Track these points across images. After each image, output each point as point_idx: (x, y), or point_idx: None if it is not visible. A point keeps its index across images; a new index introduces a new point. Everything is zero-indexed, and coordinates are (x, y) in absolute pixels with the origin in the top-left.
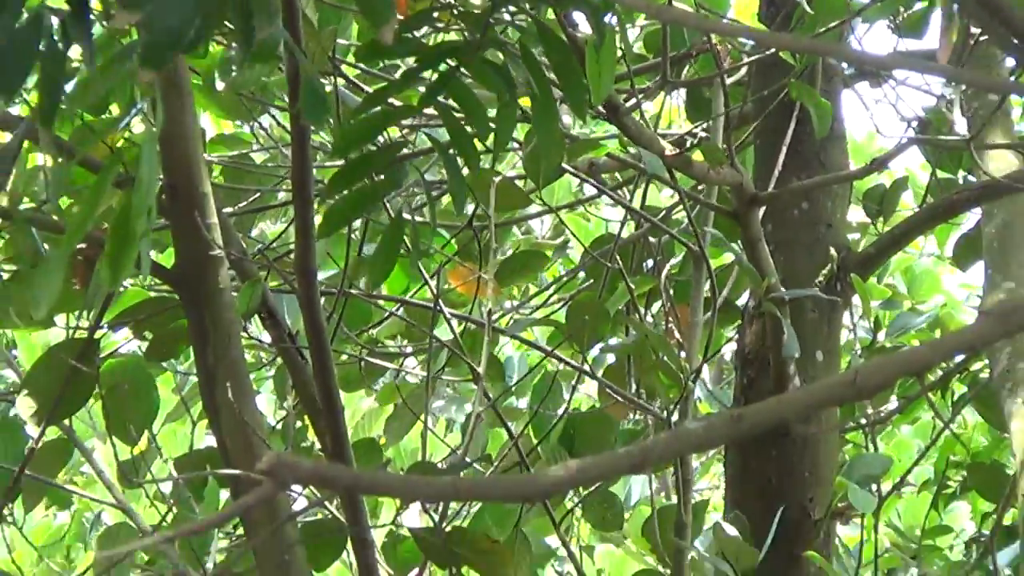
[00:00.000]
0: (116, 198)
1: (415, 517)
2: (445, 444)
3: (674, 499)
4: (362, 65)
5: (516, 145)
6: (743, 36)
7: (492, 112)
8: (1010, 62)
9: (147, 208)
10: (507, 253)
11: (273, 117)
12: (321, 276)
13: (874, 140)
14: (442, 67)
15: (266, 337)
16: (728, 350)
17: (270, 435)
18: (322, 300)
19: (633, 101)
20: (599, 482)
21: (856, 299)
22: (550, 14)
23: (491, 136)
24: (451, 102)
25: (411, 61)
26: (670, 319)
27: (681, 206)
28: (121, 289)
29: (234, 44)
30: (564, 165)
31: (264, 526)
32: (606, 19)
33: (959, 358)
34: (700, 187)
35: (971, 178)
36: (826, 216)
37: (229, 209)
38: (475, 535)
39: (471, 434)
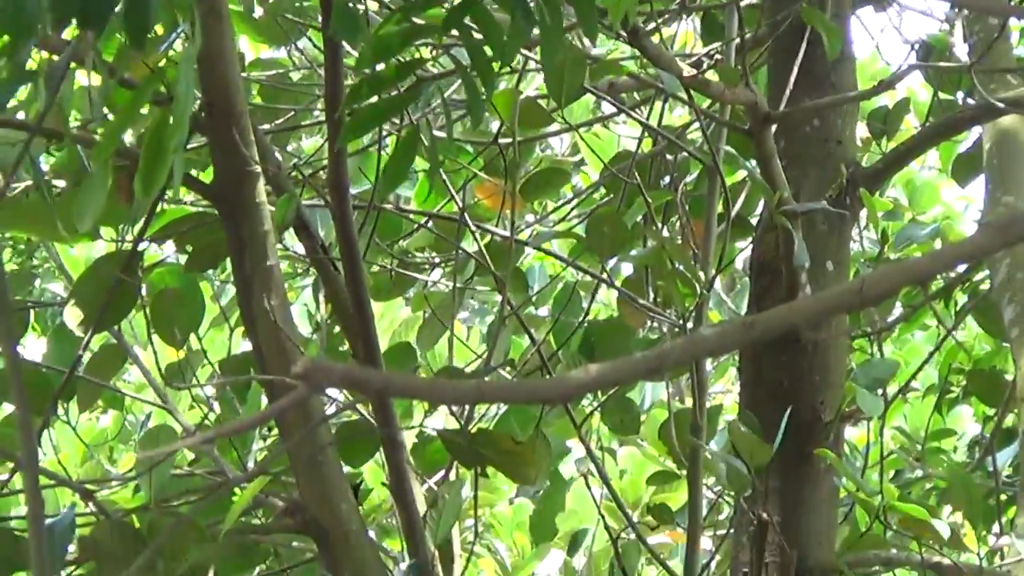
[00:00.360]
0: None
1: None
2: (471, 351)
3: (689, 403)
4: None
5: (538, 66)
6: None
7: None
8: None
9: (182, 124)
10: (530, 170)
11: (309, 39)
12: (354, 191)
13: (877, 61)
14: None
15: (300, 249)
16: (742, 261)
17: (304, 343)
18: (354, 214)
19: (652, 25)
20: (617, 386)
21: (864, 212)
22: None
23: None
24: (472, 24)
25: None
26: (686, 231)
27: (696, 124)
28: (164, 205)
29: None
30: (585, 85)
31: (298, 428)
32: None
33: (961, 268)
34: (714, 106)
35: (971, 100)
36: (836, 133)
37: (266, 126)
38: (499, 436)
39: (495, 341)
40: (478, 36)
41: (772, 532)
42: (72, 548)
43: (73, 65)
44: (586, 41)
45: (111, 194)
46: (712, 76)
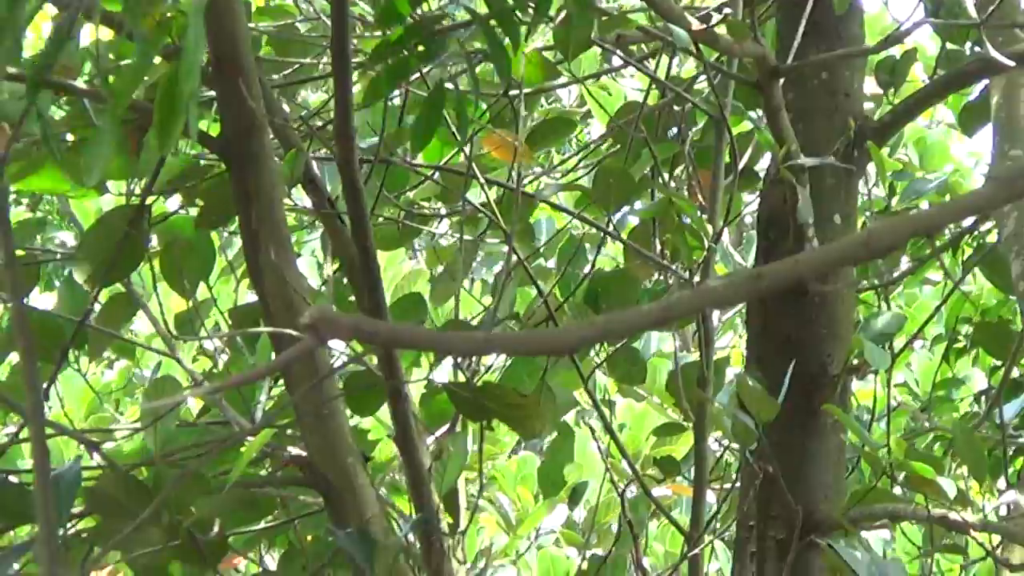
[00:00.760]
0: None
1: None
2: (478, 302)
3: (695, 356)
4: None
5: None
6: None
7: None
8: None
9: (193, 74)
10: (537, 119)
11: None
12: (363, 145)
13: (885, 16)
14: None
15: (307, 202)
16: (749, 215)
17: (311, 296)
18: (361, 167)
19: None
20: (624, 337)
21: (871, 166)
22: None
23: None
24: None
25: None
26: (693, 183)
27: (704, 77)
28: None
29: None
30: (593, 38)
31: (305, 381)
32: None
33: (968, 221)
34: (723, 59)
35: (979, 51)
36: (844, 86)
37: (274, 77)
38: (505, 390)
39: (501, 292)
40: None
41: (778, 486)
42: (78, 500)
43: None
44: None
45: (119, 148)
46: (721, 30)
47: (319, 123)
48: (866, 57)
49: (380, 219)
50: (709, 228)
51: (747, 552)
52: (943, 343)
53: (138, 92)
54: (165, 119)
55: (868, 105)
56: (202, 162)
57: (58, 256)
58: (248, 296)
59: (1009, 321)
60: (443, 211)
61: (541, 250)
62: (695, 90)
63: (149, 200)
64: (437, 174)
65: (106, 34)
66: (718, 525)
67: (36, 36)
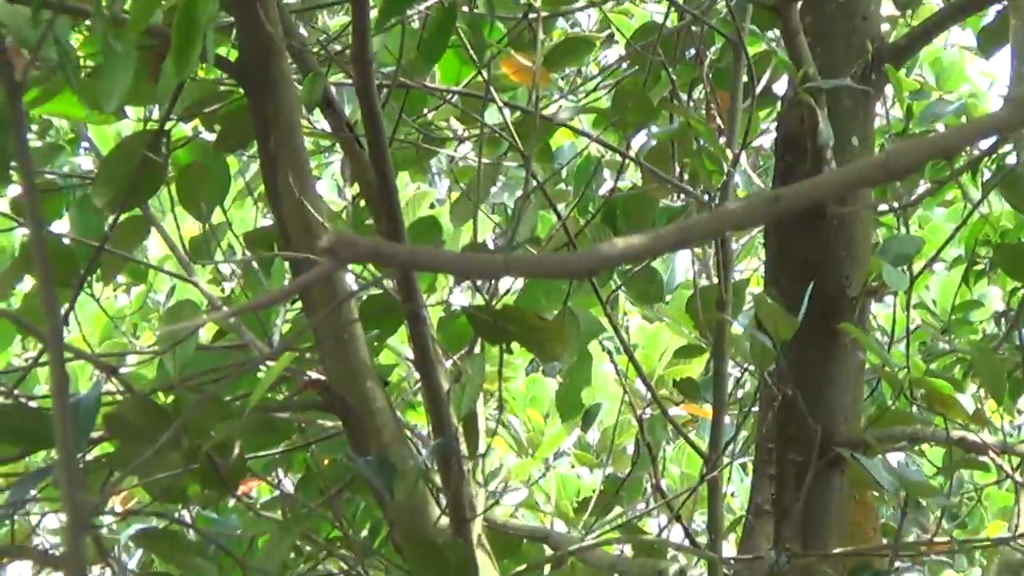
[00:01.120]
0: None
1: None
2: (496, 225)
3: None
4: None
5: None
6: None
7: None
8: None
9: None
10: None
11: None
12: (383, 70)
13: None
14: None
15: (325, 126)
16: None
17: (330, 219)
18: (381, 92)
19: None
20: (643, 260)
21: (889, 89)
22: None
23: None
24: None
25: None
26: (711, 105)
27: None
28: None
29: None
30: None
31: (324, 304)
32: None
33: (987, 143)
34: None
35: None
36: (861, 9)
37: (292, 1)
38: (524, 312)
39: (519, 215)
40: None
41: (797, 408)
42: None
43: None
44: None
45: (138, 73)
46: None
47: (338, 47)
48: None
49: (399, 142)
50: (728, 152)
51: (766, 474)
52: (962, 265)
53: (156, 17)
54: (182, 44)
55: (885, 27)
56: (220, 87)
57: (78, 177)
58: (263, 222)
59: None
60: (462, 132)
61: (559, 172)
62: (714, 10)
63: (168, 125)
64: (455, 97)
65: None
66: (736, 448)
67: None
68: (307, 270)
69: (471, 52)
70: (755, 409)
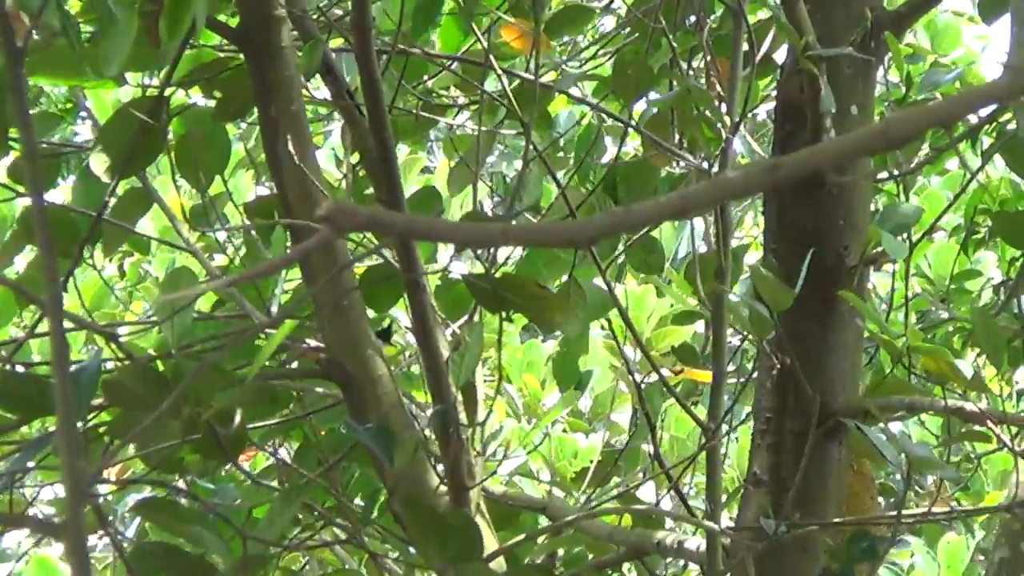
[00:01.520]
0: None
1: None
2: (495, 193)
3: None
4: None
5: None
6: None
7: None
8: None
9: None
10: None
11: None
12: (384, 38)
13: None
14: None
15: (326, 93)
16: (765, 111)
17: (330, 187)
18: (380, 59)
19: None
20: (643, 228)
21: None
22: None
23: None
24: None
25: None
26: (711, 73)
27: None
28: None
29: None
30: None
31: (323, 273)
32: None
33: (987, 111)
34: None
35: None
36: None
37: None
38: (524, 281)
39: (519, 183)
40: None
41: (795, 377)
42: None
43: None
44: None
45: (138, 39)
46: None
47: (338, 12)
48: None
49: (399, 110)
50: (727, 120)
51: (764, 444)
52: (962, 233)
53: None
54: (175, 8)
55: None
56: (220, 54)
57: (78, 146)
58: (258, 190)
59: None
60: (461, 100)
61: (559, 140)
62: None
63: (167, 92)
64: (455, 64)
65: None
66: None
67: None
68: (307, 239)
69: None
70: (754, 377)
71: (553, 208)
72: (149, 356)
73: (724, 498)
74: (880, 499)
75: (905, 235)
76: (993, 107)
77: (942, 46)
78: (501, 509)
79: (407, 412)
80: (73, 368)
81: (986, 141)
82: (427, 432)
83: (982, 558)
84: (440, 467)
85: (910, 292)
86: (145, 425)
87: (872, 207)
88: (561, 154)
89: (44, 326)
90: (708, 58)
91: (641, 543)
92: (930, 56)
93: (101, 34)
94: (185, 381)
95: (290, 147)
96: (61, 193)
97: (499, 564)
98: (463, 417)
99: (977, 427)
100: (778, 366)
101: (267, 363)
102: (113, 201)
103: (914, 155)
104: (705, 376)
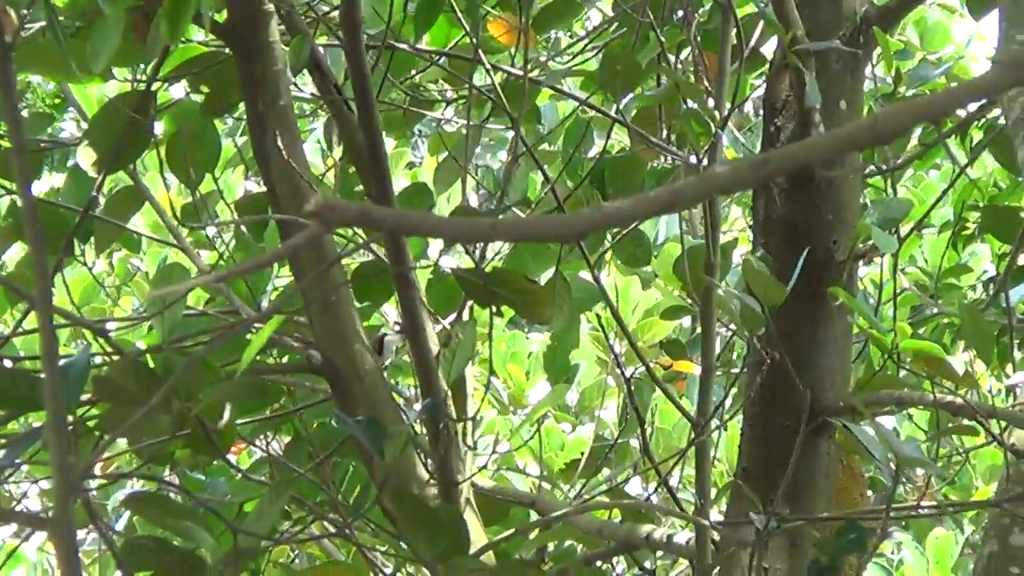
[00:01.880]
0: None
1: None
2: (483, 187)
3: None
4: None
5: None
6: None
7: None
8: None
9: None
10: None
11: None
12: (371, 31)
13: None
14: None
15: (313, 89)
16: (752, 104)
17: (319, 183)
18: (369, 54)
19: None
20: (631, 223)
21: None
22: None
23: None
24: None
25: None
26: (699, 67)
27: None
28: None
29: None
30: None
31: (312, 268)
32: None
33: (975, 106)
34: None
35: None
36: None
37: None
38: (514, 275)
39: (507, 178)
40: None
41: (785, 372)
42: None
43: None
44: None
45: (124, 34)
46: None
47: (325, 8)
48: None
49: (386, 104)
50: (716, 114)
51: (753, 438)
52: (951, 228)
53: None
54: (175, 6)
55: None
56: (208, 49)
57: (66, 143)
58: (252, 188)
59: (1019, 208)
60: (449, 94)
61: (547, 135)
62: None
63: (155, 87)
64: (443, 59)
65: None
66: (726, 411)
67: None
68: (296, 234)
69: (459, 14)
70: (743, 372)
71: (541, 202)
72: (139, 351)
73: (713, 492)
74: (870, 493)
75: (894, 230)
76: (981, 102)
77: (932, 43)
78: (490, 504)
79: (396, 407)
80: (62, 363)
81: (976, 136)
82: (416, 426)
83: (971, 552)
84: (429, 461)
85: (900, 287)
86: (135, 420)
87: (861, 202)
88: (546, 146)
89: (31, 321)
90: (696, 52)
91: (630, 537)
92: (919, 52)
93: (89, 29)
94: (175, 376)
95: (278, 142)
96: (46, 185)
97: (488, 558)
98: (452, 411)
99: (966, 421)
100: (768, 361)
101: (257, 358)
102: (102, 197)
103: (903, 150)
104: (691, 367)
